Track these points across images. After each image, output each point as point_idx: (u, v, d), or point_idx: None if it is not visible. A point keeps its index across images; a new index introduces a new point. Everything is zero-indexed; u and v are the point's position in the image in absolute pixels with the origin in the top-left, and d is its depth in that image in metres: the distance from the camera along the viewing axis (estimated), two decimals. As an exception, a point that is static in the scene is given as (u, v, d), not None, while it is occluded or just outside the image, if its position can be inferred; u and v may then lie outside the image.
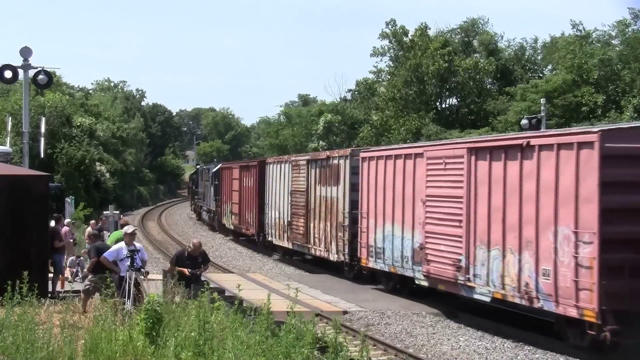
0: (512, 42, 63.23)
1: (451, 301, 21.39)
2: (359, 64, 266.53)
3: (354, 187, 26.39)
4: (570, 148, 15.80)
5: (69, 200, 35.91)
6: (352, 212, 26.57)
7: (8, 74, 27.03)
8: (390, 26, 62.25)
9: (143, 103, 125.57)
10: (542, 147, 16.67)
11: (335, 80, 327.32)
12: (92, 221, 29.23)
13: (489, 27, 63.50)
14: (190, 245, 18.09)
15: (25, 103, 29.55)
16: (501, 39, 63.06)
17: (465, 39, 62.60)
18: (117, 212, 35.40)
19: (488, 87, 60.15)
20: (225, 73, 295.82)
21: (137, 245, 16.33)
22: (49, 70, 28.15)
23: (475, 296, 19.18)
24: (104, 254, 16.41)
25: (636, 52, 46.62)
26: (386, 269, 23.86)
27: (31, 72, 27.85)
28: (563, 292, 15.81)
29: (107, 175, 66.45)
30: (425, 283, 21.70)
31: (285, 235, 33.93)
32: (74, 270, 23.54)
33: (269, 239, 36.70)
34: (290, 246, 33.58)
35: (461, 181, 19.53)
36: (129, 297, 14.95)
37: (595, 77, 46.16)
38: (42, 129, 33.46)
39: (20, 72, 27.73)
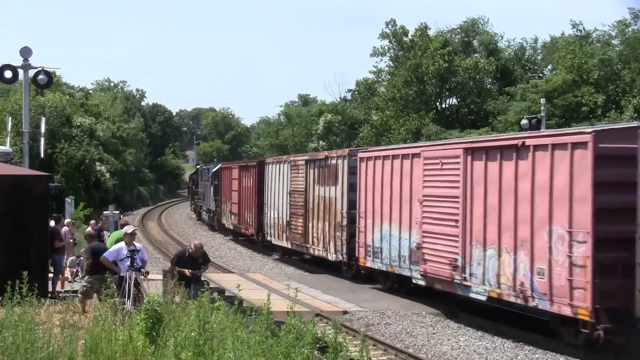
0: (512, 42, 63.52)
1: (451, 301, 21.46)
2: (359, 64, 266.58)
3: (352, 187, 26.51)
4: (565, 148, 15.96)
5: (69, 200, 36.03)
6: (350, 212, 26.69)
7: (8, 74, 27.11)
8: (390, 26, 62.42)
9: (143, 103, 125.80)
10: (537, 148, 16.83)
11: (335, 80, 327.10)
12: (92, 221, 29.35)
13: (489, 27, 63.74)
14: (191, 246, 18.10)
15: (25, 103, 29.64)
16: (501, 39, 63.30)
17: (465, 39, 62.67)
18: (117, 212, 35.47)
19: (488, 87, 60.20)
20: (225, 73, 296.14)
21: (137, 245, 16.35)
22: (49, 70, 28.23)
23: (472, 295, 19.33)
24: (104, 254, 16.45)
25: (636, 52, 46.67)
26: (384, 269, 24.01)
27: (31, 72, 27.94)
28: (557, 291, 15.96)
29: (107, 175, 66.52)
30: (422, 282, 21.84)
31: (284, 235, 34.07)
32: (74, 270, 23.64)
33: (268, 238, 36.82)
34: (289, 246, 33.71)
35: (457, 181, 19.69)
36: (129, 297, 14.97)
37: (595, 77, 46.20)
38: (42, 129, 33.54)
39: (20, 72, 27.82)
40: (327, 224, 28.88)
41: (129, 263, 15.62)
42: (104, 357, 11.51)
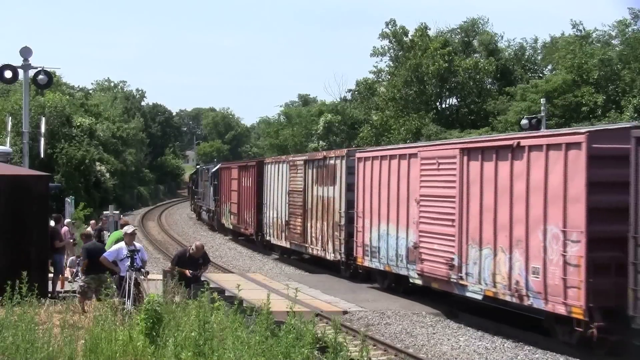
0: (512, 42, 63.44)
1: (451, 301, 21.52)
2: (359, 64, 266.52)
3: (350, 187, 26.65)
4: (559, 149, 16.12)
5: (69, 200, 36.15)
6: (349, 211, 26.83)
7: (8, 74, 27.17)
8: (390, 26, 62.42)
9: (143, 103, 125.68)
10: (532, 148, 16.99)
11: (335, 80, 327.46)
12: (92, 221, 29.49)
13: (489, 27, 63.71)
14: (192, 247, 18.16)
15: (25, 103, 29.73)
16: (501, 39, 63.26)
17: (465, 39, 62.68)
18: (117, 212, 35.52)
19: (488, 87, 60.19)
20: (225, 73, 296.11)
21: (137, 245, 16.41)
22: (49, 70, 28.30)
23: (468, 294, 19.48)
24: (104, 254, 16.53)
25: (636, 52, 46.66)
26: (381, 268, 24.15)
27: (31, 72, 28.01)
28: (552, 290, 16.12)
29: (107, 175, 66.54)
30: (419, 281, 21.99)
31: (283, 234, 34.19)
32: (74, 270, 23.69)
33: (267, 238, 36.95)
34: (288, 246, 33.84)
35: (454, 181, 19.84)
36: (129, 297, 15.03)
37: (595, 77, 46.20)
38: (42, 129, 33.61)
39: (20, 72, 27.89)
40: (325, 223, 29.02)
41: (129, 263, 15.66)
42: (104, 357, 11.55)
